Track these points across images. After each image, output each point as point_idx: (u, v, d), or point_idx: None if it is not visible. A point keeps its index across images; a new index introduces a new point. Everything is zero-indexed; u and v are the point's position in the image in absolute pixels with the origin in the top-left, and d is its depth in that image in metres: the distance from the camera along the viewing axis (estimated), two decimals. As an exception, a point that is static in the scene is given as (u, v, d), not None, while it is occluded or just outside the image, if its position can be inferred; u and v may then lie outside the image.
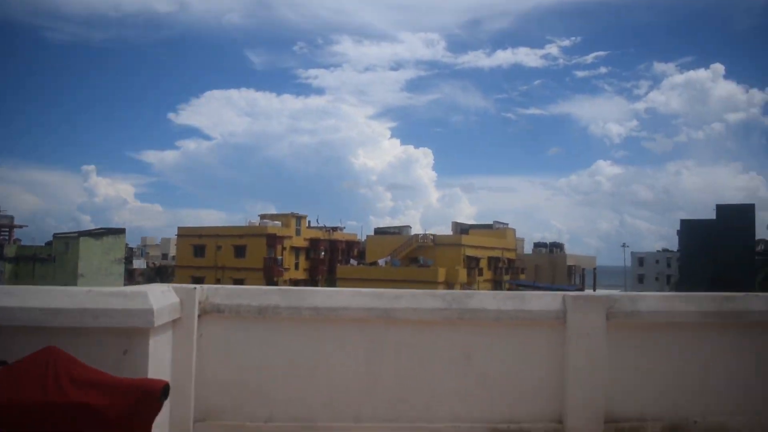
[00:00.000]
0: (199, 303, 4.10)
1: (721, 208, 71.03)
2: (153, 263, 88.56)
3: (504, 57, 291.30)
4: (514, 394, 4.40)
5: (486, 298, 4.37)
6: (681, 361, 4.72)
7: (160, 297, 3.73)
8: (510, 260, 72.73)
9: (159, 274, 79.72)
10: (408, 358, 4.26)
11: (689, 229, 72.33)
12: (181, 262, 70.55)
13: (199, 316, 4.09)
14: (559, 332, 4.46)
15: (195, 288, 4.09)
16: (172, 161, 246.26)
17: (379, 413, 4.19)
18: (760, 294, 5.01)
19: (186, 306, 4.02)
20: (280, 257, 64.61)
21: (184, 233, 71.71)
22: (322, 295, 4.22)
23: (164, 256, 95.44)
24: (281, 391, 4.15)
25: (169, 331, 3.91)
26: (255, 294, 4.27)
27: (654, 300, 4.67)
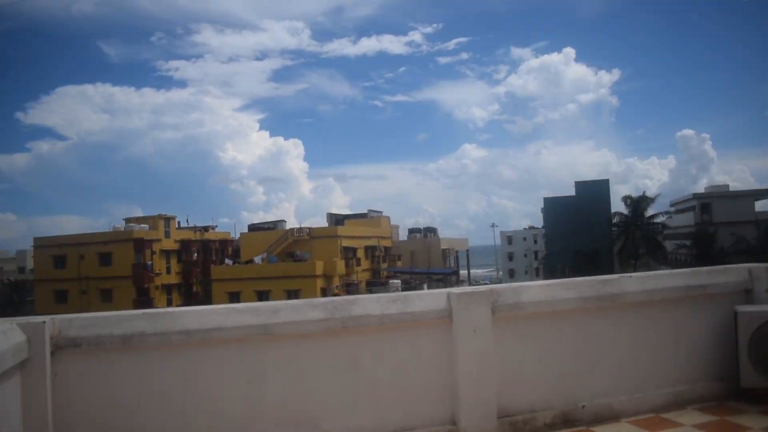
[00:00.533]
0: (51, 338, 3.60)
1: (579, 185, 75.68)
2: (8, 279, 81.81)
3: (369, 44, 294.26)
4: (406, 399, 4.25)
5: (369, 303, 4.18)
6: (566, 347, 4.77)
7: (0, 338, 3.23)
8: (386, 248, 73.71)
9: (16, 290, 73.85)
10: (292, 375, 3.99)
11: (551, 206, 76.57)
12: (41, 275, 65.69)
13: (52, 353, 3.59)
14: (446, 331, 4.35)
15: (44, 322, 3.59)
16: (23, 165, 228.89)
17: (264, 438, 3.90)
18: (633, 275, 5.16)
19: (34, 344, 3.51)
20: (149, 262, 61.66)
21: (41, 244, 66.78)
22: (193, 316, 3.84)
23: (21, 270, 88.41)
24: (154, 429, 3.75)
25: (16, 376, 3.40)
26: (116, 321, 3.81)
27: (536, 290, 4.68)
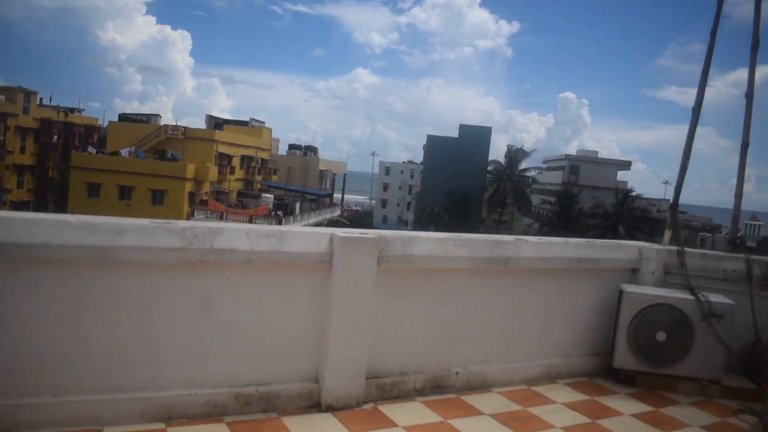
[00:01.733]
0: None
1: (463, 128, 76.84)
2: None
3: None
4: (267, 351, 3.67)
5: (237, 236, 3.49)
6: (449, 309, 4.36)
7: None
8: (264, 160, 71.71)
9: None
10: (130, 312, 3.27)
11: (434, 144, 77.34)
12: None
13: None
14: (323, 278, 3.78)
15: None
16: None
17: (86, 383, 3.19)
18: (530, 239, 4.80)
19: None
20: (1, 138, 56.26)
21: None
22: (6, 225, 2.99)
23: None
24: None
25: None
26: None
27: (429, 243, 4.19)
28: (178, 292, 3.36)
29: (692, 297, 4.91)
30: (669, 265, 5.34)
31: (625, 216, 62.75)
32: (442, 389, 4.31)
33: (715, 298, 4.92)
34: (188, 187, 54.66)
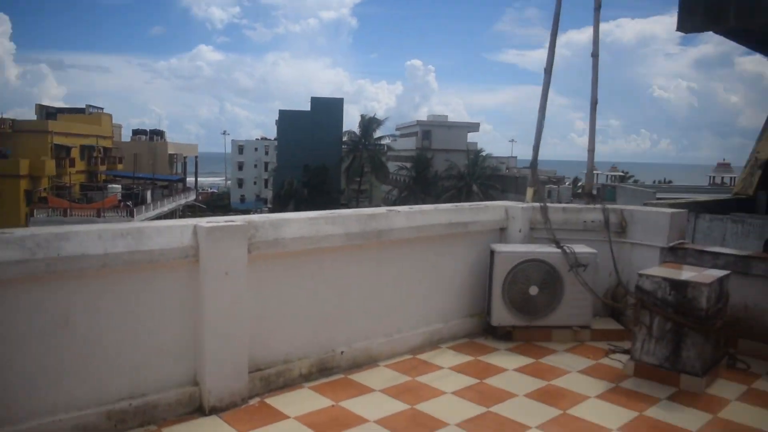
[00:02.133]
0: None
1: (315, 101, 76.14)
2: None
3: None
4: (137, 360, 3.34)
5: (88, 240, 3.12)
6: (328, 289, 4.22)
7: None
8: (106, 149, 67.44)
9: None
10: (-32, 338, 2.83)
11: (286, 119, 76.14)
12: None
13: None
14: (191, 274, 3.49)
15: None
16: None
17: None
18: (401, 209, 4.73)
19: None
20: None
21: None
22: None
23: None
24: None
25: None
26: None
27: (299, 224, 3.99)
28: (24, 309, 2.95)
29: (558, 250, 5.09)
30: (534, 221, 5.50)
31: (478, 175, 65.54)
32: (329, 371, 4.18)
33: (579, 248, 5.13)
34: (23, 185, 50.28)
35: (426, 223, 4.77)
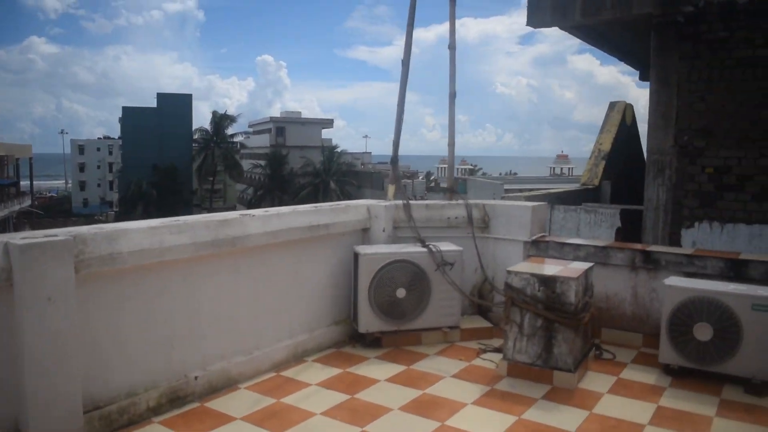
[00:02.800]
0: None
1: (161, 97, 72.48)
2: None
3: None
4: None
5: None
6: (174, 308, 3.72)
7: None
8: None
9: None
10: None
11: (131, 116, 71.86)
12: None
13: None
14: (4, 301, 2.89)
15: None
16: None
17: None
18: (257, 213, 4.31)
19: None
20: None
21: None
22: None
23: None
24: None
25: None
26: None
27: (139, 234, 3.47)
28: None
29: (424, 249, 4.89)
30: (397, 220, 5.28)
31: (334, 171, 65.53)
32: (182, 400, 3.69)
33: (445, 246, 4.97)
34: None
35: (284, 227, 4.38)
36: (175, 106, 70.06)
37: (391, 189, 5.61)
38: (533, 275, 4.23)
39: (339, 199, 64.26)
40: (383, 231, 5.16)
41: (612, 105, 11.58)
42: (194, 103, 77.85)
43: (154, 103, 72.62)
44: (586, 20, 7.07)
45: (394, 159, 5.58)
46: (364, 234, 5.19)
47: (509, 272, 4.35)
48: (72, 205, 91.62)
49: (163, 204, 64.01)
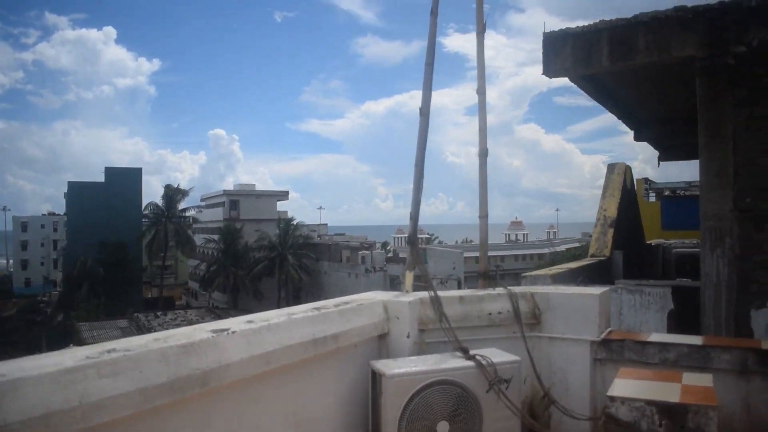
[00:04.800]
0: None
1: (109, 171, 70.31)
2: None
3: None
4: None
5: None
6: None
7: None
8: None
9: None
10: None
11: (77, 191, 69.29)
12: None
13: None
14: None
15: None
16: None
17: None
18: (237, 327, 2.85)
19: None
20: None
21: None
22: None
23: None
24: None
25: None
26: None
27: (43, 387, 1.98)
28: None
29: (470, 362, 3.49)
30: (424, 319, 3.88)
31: (291, 245, 63.80)
32: None
33: (495, 355, 3.58)
34: None
35: (279, 345, 2.93)
36: (124, 180, 67.92)
37: (408, 277, 4.21)
38: (650, 403, 2.87)
39: (298, 274, 62.52)
40: (407, 337, 3.74)
41: (611, 167, 10.58)
42: (146, 178, 76.02)
43: (102, 178, 70.32)
44: (616, 65, 6.01)
45: (412, 237, 4.21)
46: (381, 342, 3.77)
47: (612, 399, 2.97)
48: (12, 285, 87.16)
49: (110, 283, 60.99)
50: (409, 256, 4.24)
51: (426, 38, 4.17)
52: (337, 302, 3.67)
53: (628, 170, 10.66)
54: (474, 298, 4.08)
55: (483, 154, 4.30)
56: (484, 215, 4.33)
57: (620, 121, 10.58)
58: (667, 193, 23.68)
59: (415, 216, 4.17)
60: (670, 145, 14.01)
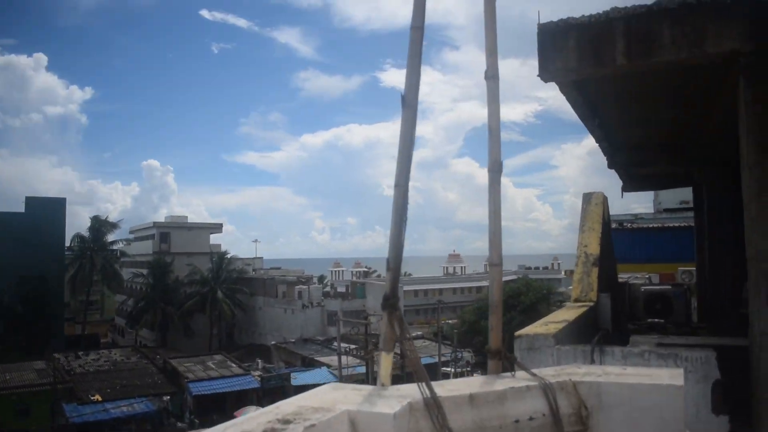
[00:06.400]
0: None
1: (30, 201, 66.01)
2: None
3: None
4: None
5: None
6: None
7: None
8: None
9: None
10: None
11: (-5, 223, 64.93)
12: None
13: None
14: None
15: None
16: None
17: None
18: None
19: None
20: None
21: None
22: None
23: None
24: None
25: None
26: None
27: None
28: None
29: None
30: (416, 436, 2.31)
31: (224, 279, 61.10)
32: None
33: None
34: None
35: None
36: (46, 211, 63.80)
37: (386, 362, 2.64)
38: None
39: (231, 310, 59.67)
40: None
41: (587, 197, 9.33)
42: (75, 209, 72.53)
43: (23, 208, 66.03)
44: (634, 63, 4.70)
45: (391, 298, 2.64)
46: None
47: None
48: None
49: (29, 321, 56.72)
50: (386, 325, 2.67)
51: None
52: (265, 418, 2.06)
53: (605, 201, 9.45)
54: (491, 397, 2.57)
55: (495, 169, 2.80)
56: (497, 262, 2.81)
57: (597, 144, 9.41)
58: (614, 225, 22.84)
59: (395, 262, 2.62)
60: (637, 175, 12.95)
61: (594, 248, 8.31)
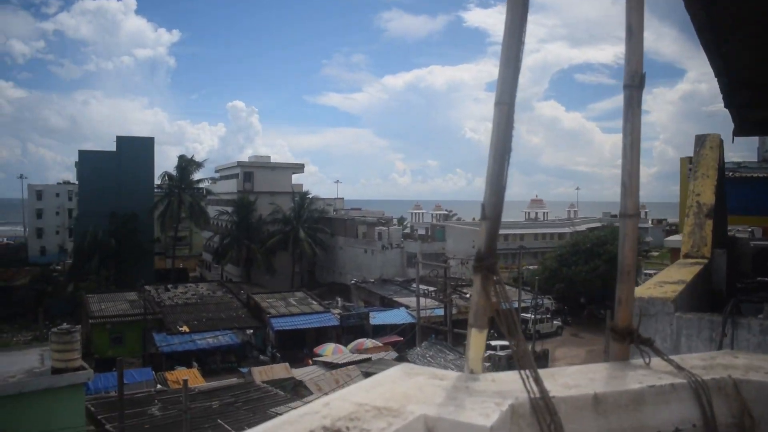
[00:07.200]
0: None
1: (121, 140, 68.24)
2: None
3: None
4: None
5: None
6: None
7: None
8: None
9: None
10: None
11: (88, 160, 67.42)
12: None
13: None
14: None
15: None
16: None
17: None
18: None
19: None
20: None
21: None
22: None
23: None
24: None
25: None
26: None
27: None
28: None
29: None
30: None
31: (305, 218, 61.85)
32: None
33: None
34: None
35: None
36: (136, 150, 65.93)
37: (477, 340, 1.98)
38: None
39: (312, 249, 60.38)
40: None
41: (701, 139, 8.21)
42: (165, 149, 74.71)
43: (115, 147, 68.42)
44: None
45: (486, 255, 1.95)
46: None
47: None
48: (28, 254, 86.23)
49: (121, 254, 59.39)
50: (478, 294, 1.99)
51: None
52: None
53: (721, 144, 8.32)
54: (624, 399, 1.85)
55: (635, 83, 2.06)
56: (633, 212, 2.07)
57: (716, 79, 8.22)
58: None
59: (494, 210, 1.92)
60: (753, 118, 11.50)
61: (708, 197, 7.28)
